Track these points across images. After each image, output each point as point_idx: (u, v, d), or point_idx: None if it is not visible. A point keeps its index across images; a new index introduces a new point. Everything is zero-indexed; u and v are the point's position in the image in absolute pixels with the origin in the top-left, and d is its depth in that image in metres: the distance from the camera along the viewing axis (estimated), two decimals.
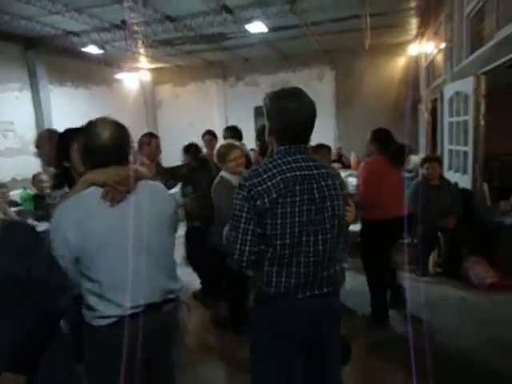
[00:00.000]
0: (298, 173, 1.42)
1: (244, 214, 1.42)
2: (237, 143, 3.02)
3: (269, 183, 1.39)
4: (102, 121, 1.52)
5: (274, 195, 1.39)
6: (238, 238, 1.44)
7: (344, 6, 6.18)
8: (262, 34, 7.16)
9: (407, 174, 6.38)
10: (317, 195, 1.44)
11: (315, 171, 1.46)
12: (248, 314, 1.86)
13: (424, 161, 4.34)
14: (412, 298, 3.50)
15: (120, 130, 1.52)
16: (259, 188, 1.39)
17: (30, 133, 7.34)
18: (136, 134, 4.21)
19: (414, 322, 3.16)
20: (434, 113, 6.81)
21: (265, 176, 1.40)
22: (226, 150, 2.85)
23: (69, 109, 8.00)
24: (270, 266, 1.46)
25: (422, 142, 8.19)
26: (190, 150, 4.00)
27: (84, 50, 7.46)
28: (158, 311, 1.51)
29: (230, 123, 9.80)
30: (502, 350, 2.74)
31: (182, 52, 8.82)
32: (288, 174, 1.41)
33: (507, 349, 2.75)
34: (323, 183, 1.46)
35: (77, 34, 6.95)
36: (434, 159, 4.34)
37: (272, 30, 7.10)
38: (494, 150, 5.95)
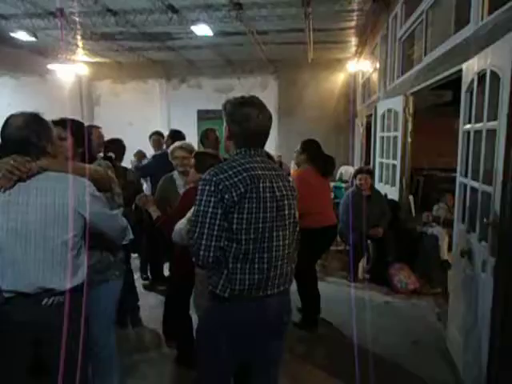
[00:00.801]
0: (260, 172, 1.50)
1: (210, 209, 1.44)
2: (185, 145, 3.15)
3: (235, 179, 1.45)
4: (16, 114, 1.63)
5: (242, 190, 1.44)
6: (203, 233, 1.44)
7: (289, 18, 6.36)
8: (208, 37, 7.13)
9: (343, 185, 6.71)
10: (277, 193, 1.53)
11: (273, 172, 1.56)
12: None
13: (357, 172, 4.58)
14: (342, 302, 3.67)
15: (29, 123, 1.60)
16: (227, 183, 1.44)
17: None
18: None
19: (342, 324, 3.32)
20: (368, 127, 7.22)
21: (230, 172, 1.46)
22: (173, 148, 3.05)
23: None
24: (235, 263, 1.48)
25: (357, 154, 8.65)
26: None
27: (13, 35, 6.87)
28: (30, 302, 1.56)
29: (173, 125, 9.69)
30: (413, 342, 3.08)
31: (123, 48, 8.50)
32: (252, 172, 1.49)
33: (419, 341, 3.09)
34: (281, 183, 1.56)
35: (5, 17, 6.39)
36: (366, 171, 4.58)
37: (218, 34, 7.10)
38: (418, 165, 6.48)
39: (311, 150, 3.40)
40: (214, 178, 1.44)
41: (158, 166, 3.92)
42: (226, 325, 1.54)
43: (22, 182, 1.56)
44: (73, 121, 2.06)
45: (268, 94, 9.78)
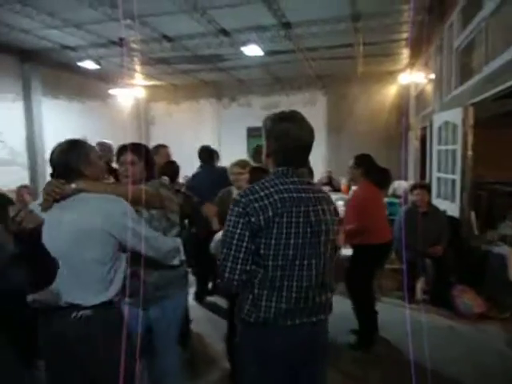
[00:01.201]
0: (295, 194, 1.41)
1: (238, 231, 1.38)
2: (240, 161, 3.23)
3: (266, 201, 1.37)
4: (61, 142, 1.78)
5: (270, 213, 1.36)
6: (229, 255, 1.39)
7: (338, 34, 6.35)
8: (257, 56, 7.30)
9: (396, 200, 6.47)
10: (313, 218, 1.42)
11: (311, 194, 1.45)
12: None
13: (413, 187, 4.39)
14: (398, 325, 3.48)
15: (67, 149, 1.75)
16: (255, 205, 1.37)
17: (20, 144, 7.28)
18: None
19: (399, 348, 3.14)
20: (423, 140, 6.94)
21: (262, 193, 1.38)
22: (233, 166, 3.14)
23: (61, 122, 7.97)
24: (260, 289, 1.41)
25: (411, 168, 8.32)
26: None
27: (80, 64, 7.48)
28: (61, 315, 1.66)
29: (223, 143, 9.96)
30: (485, 376, 2.78)
31: (177, 71, 8.92)
32: (285, 195, 1.39)
33: (490, 375, 2.79)
34: (319, 207, 1.45)
35: (73, 49, 6.99)
36: (423, 186, 4.39)
37: (267, 53, 7.24)
38: (481, 179, 6.08)
39: (366, 164, 3.33)
40: (243, 199, 1.39)
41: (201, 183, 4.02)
42: (252, 350, 1.47)
43: (58, 203, 1.69)
44: (141, 145, 2.21)
45: (317, 109, 9.76)
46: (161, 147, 3.65)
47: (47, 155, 1.97)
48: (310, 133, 1.49)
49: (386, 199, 5.50)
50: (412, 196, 4.29)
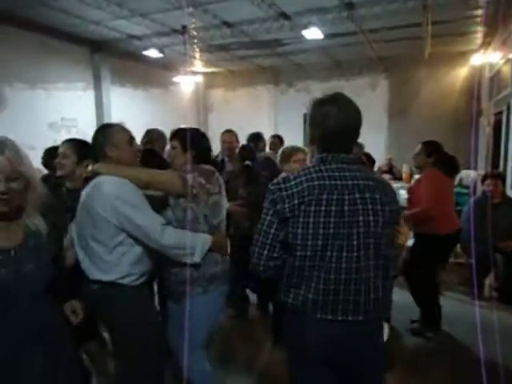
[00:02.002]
0: (327, 182, 1.34)
1: (268, 218, 1.38)
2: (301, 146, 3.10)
3: (294, 189, 1.34)
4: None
5: (296, 201, 1.32)
6: (258, 240, 1.41)
7: (404, 13, 6.00)
8: (317, 40, 7.13)
9: (464, 190, 6.07)
10: (346, 207, 1.32)
11: (350, 182, 1.35)
12: None
13: (485, 177, 4.10)
14: (463, 320, 3.31)
15: (97, 131, 1.91)
16: (283, 193, 1.35)
17: (91, 129, 7.78)
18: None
19: (464, 343, 3.00)
20: (497, 126, 6.40)
21: (292, 182, 1.36)
22: (291, 151, 2.93)
23: (127, 108, 8.41)
24: (290, 277, 1.40)
25: (482, 157, 7.74)
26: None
27: (145, 53, 7.79)
28: (86, 285, 1.86)
29: (280, 129, 9.91)
30: None
31: (235, 57, 8.98)
32: (316, 182, 1.33)
33: None
34: (357, 195, 1.33)
35: (139, 38, 7.29)
36: (496, 176, 4.08)
37: (327, 36, 7.04)
38: None
39: (434, 151, 3.16)
40: (273, 187, 1.38)
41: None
42: (288, 336, 1.47)
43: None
44: (184, 130, 2.14)
45: (378, 94, 9.37)
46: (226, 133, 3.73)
47: None
48: (355, 116, 1.39)
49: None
50: (483, 186, 4.01)
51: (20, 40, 6.34)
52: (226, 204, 2.18)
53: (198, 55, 8.75)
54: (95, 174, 1.84)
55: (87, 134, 7.82)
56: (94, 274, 1.85)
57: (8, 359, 1.32)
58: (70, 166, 2.18)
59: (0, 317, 1.31)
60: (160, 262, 1.99)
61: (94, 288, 1.84)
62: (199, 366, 2.03)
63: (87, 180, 1.88)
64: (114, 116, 8.06)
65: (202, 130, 2.32)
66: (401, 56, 8.79)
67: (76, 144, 2.28)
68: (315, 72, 9.90)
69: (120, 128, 1.94)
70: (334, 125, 1.35)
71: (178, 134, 2.11)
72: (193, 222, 1.94)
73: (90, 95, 7.83)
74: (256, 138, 4.42)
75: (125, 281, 1.85)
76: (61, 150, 2.26)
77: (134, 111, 8.42)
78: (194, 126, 2.37)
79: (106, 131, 1.89)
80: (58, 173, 2.23)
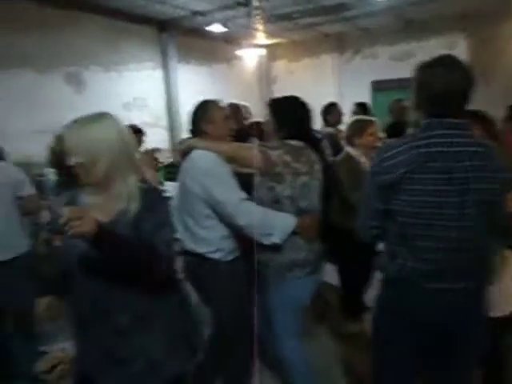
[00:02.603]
0: (433, 149, 1.30)
1: (370, 187, 1.40)
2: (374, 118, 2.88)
3: (399, 157, 1.31)
4: None
5: (402, 170, 1.30)
6: (361, 211, 1.46)
7: None
8: (386, 0, 6.65)
9: None
10: (455, 175, 1.28)
11: (459, 148, 1.30)
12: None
13: None
14: None
15: (195, 108, 1.98)
16: (388, 163, 1.33)
17: (160, 108, 8.17)
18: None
19: None
20: None
21: (395, 151, 1.33)
22: (364, 123, 2.72)
23: (193, 85, 8.63)
24: (394, 245, 1.40)
25: None
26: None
27: (208, 28, 7.86)
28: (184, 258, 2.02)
29: (344, 99, 9.54)
30: None
31: (298, 26, 8.71)
32: (422, 150, 1.30)
33: None
34: (467, 163, 1.29)
35: (202, 14, 7.36)
36: None
37: None
38: None
39: None
40: (377, 157, 1.37)
41: None
42: (390, 304, 1.45)
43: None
44: (278, 99, 2.07)
45: (455, 55, 8.58)
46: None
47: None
48: (463, 77, 1.32)
49: None
50: None
51: (93, 25, 6.71)
52: (317, 185, 1.95)
53: (261, 27, 8.63)
54: (191, 149, 1.89)
55: (157, 111, 8.26)
56: (189, 245, 1.93)
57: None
58: None
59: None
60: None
61: (187, 259, 1.95)
62: (285, 353, 2.00)
63: (185, 154, 1.93)
64: (181, 93, 8.34)
65: (265, 103, 2.21)
66: (483, 11, 7.90)
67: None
68: (383, 36, 9.29)
69: (217, 105, 1.97)
70: (440, 87, 1.30)
71: (271, 104, 2.02)
72: (275, 203, 1.85)
73: (158, 74, 8.15)
74: (326, 109, 4.17)
75: (216, 255, 1.88)
76: None
77: (198, 87, 8.62)
78: (257, 98, 2.32)
79: (203, 107, 1.94)
80: None
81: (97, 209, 1.32)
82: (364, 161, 2.69)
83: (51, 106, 6.02)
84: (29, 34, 5.75)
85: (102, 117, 1.39)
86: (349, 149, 2.80)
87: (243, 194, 1.83)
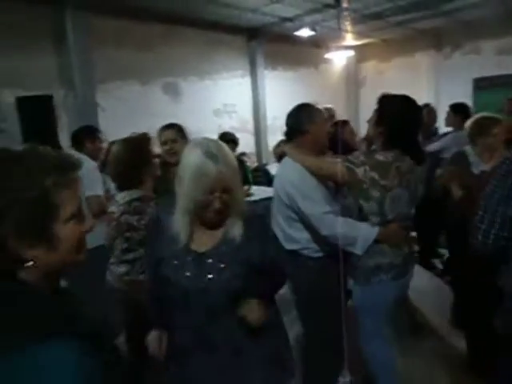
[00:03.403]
0: None
1: (499, 191, 1.24)
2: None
3: None
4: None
5: None
6: (484, 217, 1.28)
7: None
8: None
9: None
10: None
11: None
12: None
13: None
14: None
15: (292, 112, 2.04)
16: None
17: (247, 113, 8.45)
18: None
19: None
20: None
21: None
22: (491, 121, 2.51)
23: (279, 91, 8.77)
24: None
25: None
26: None
27: (296, 33, 7.91)
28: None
29: (442, 99, 8.85)
30: None
31: (390, 24, 8.32)
32: None
33: None
34: None
35: (291, 19, 7.44)
36: None
37: None
38: None
39: None
40: (507, 158, 1.22)
41: None
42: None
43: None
44: (384, 98, 2.01)
45: None
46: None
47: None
48: None
49: None
50: None
51: (192, 38, 7.21)
52: (407, 194, 1.90)
53: (349, 28, 8.44)
54: (284, 154, 2.05)
55: (244, 117, 8.54)
56: (280, 241, 2.01)
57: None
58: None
59: (180, 315, 1.33)
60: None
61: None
62: (369, 354, 2.02)
63: (280, 157, 2.08)
64: (268, 100, 8.53)
65: (352, 105, 2.21)
66: None
67: (178, 128, 2.45)
68: (487, 29, 8.41)
69: (317, 108, 2.06)
70: None
71: (379, 102, 1.97)
72: (360, 217, 1.90)
73: (246, 81, 8.44)
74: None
75: (304, 252, 2.00)
76: (167, 136, 2.42)
77: (284, 93, 8.72)
78: (343, 102, 2.31)
79: (307, 109, 2.01)
80: (172, 159, 2.28)
81: (198, 238, 1.37)
82: (478, 161, 2.52)
83: (151, 114, 6.59)
84: (133, 48, 6.39)
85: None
86: (467, 148, 2.65)
87: (327, 207, 1.90)
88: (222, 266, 1.31)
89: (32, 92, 5.09)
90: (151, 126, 6.35)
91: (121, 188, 1.93)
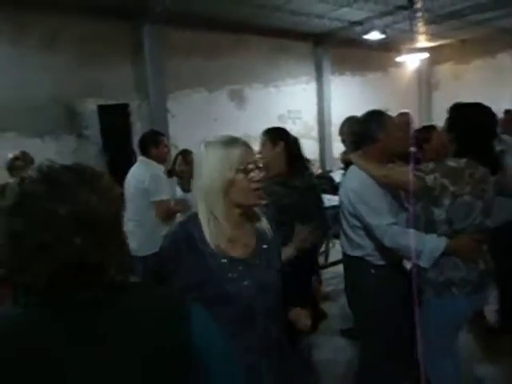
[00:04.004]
0: None
1: None
2: None
3: None
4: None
5: None
6: None
7: None
8: None
9: None
10: None
11: None
12: None
13: None
14: None
15: (363, 120, 2.02)
16: None
17: (312, 119, 8.37)
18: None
19: None
20: None
21: None
22: None
23: (345, 97, 8.58)
24: None
25: None
26: None
27: (365, 37, 7.69)
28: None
29: None
30: None
31: (468, 23, 7.75)
32: None
33: None
34: None
35: (360, 23, 7.26)
36: None
37: None
38: None
39: None
40: None
41: None
42: None
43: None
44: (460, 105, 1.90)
45: None
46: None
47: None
48: None
49: None
50: None
51: (257, 45, 7.35)
52: (481, 205, 1.79)
53: (422, 29, 8.02)
54: (351, 163, 2.02)
55: (309, 123, 8.53)
56: (345, 247, 2.07)
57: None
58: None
59: (244, 330, 1.20)
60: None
61: (345, 260, 2.09)
62: (440, 372, 1.90)
63: (347, 165, 2.11)
64: (334, 105, 8.38)
65: (424, 111, 2.12)
66: None
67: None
68: None
69: (389, 115, 2.01)
70: None
71: (450, 111, 1.88)
72: (429, 226, 1.82)
73: (312, 87, 8.38)
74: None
75: (368, 258, 1.96)
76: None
77: (351, 98, 8.52)
78: (415, 107, 2.20)
79: (378, 116, 1.97)
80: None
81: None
82: None
83: (218, 121, 6.81)
84: (202, 57, 6.66)
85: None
86: None
87: (391, 219, 1.84)
88: (268, 264, 1.25)
89: (111, 101, 5.52)
90: (217, 131, 6.57)
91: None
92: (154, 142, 2.96)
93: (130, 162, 3.51)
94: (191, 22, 6.27)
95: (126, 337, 0.71)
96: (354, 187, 1.90)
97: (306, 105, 8.25)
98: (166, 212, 2.84)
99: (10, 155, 3.03)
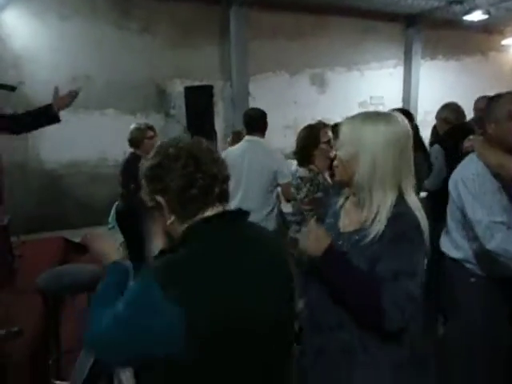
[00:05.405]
0: None
1: None
2: None
3: None
4: None
5: None
6: None
7: None
8: None
9: None
10: None
11: None
12: None
13: None
14: None
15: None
16: None
17: (396, 106, 7.95)
18: None
19: None
20: None
21: None
22: None
23: (436, 83, 7.97)
24: None
25: None
26: None
27: (466, 18, 7.02)
28: None
29: None
30: None
31: None
32: None
33: None
34: None
35: (460, 2, 6.63)
36: None
37: None
38: None
39: None
40: None
41: None
42: None
43: None
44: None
45: None
46: None
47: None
48: None
49: None
50: None
51: (341, 27, 7.08)
52: None
53: None
54: (472, 150, 1.78)
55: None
56: (446, 247, 1.85)
57: None
58: None
59: None
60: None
61: (445, 262, 1.85)
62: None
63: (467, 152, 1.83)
64: (422, 91, 7.85)
65: None
66: None
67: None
68: None
69: (503, 102, 1.70)
70: None
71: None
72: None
73: (399, 72, 7.91)
74: None
75: (468, 265, 1.74)
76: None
77: (442, 85, 7.90)
78: None
79: (487, 106, 1.74)
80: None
81: (344, 216, 1.25)
82: None
83: (298, 105, 6.79)
84: (284, 39, 6.62)
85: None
86: None
87: (499, 217, 1.55)
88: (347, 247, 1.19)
89: (197, 82, 5.78)
90: (298, 115, 6.58)
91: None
92: (264, 123, 2.94)
93: (211, 141, 3.69)
94: (276, 3, 6.26)
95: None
96: (465, 175, 1.65)
97: (390, 91, 7.82)
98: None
99: (133, 125, 3.26)
